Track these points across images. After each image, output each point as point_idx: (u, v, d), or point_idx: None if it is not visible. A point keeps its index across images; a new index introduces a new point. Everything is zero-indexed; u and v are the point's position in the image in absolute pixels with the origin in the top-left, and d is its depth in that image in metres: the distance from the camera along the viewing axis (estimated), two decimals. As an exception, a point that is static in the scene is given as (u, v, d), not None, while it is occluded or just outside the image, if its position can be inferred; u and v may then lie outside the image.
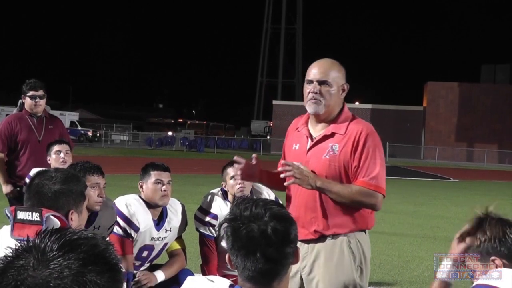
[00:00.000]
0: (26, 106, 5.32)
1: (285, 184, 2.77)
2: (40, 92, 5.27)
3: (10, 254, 1.01)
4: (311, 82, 2.87)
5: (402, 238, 8.57)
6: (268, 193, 4.11)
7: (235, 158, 2.96)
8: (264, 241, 1.57)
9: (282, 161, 2.81)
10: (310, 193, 2.81)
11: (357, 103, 44.48)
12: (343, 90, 2.89)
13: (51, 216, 2.07)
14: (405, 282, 5.96)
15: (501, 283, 1.92)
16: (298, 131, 2.99)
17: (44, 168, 2.57)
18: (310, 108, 2.86)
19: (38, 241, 1.02)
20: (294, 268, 2.78)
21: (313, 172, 2.79)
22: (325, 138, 2.86)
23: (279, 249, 1.59)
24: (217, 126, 61.02)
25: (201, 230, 4.04)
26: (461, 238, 2.17)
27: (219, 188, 4.09)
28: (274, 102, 44.63)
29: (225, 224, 1.64)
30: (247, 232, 1.58)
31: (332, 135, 2.85)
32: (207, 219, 3.99)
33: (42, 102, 5.31)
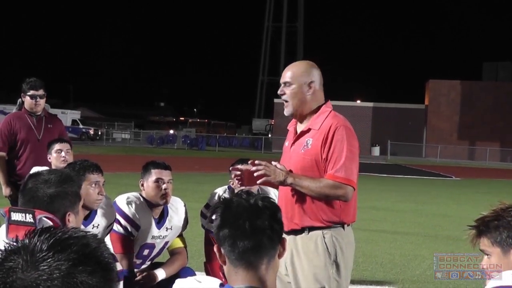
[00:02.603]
0: (26, 105, 5.31)
1: (258, 182, 2.89)
2: (41, 92, 5.25)
3: None
4: (279, 85, 3.07)
5: (404, 237, 8.55)
6: (275, 193, 4.10)
7: (250, 162, 3.04)
8: (254, 211, 1.65)
9: (256, 161, 2.93)
10: (287, 188, 2.95)
11: (358, 102, 44.45)
12: (310, 87, 2.99)
13: (44, 218, 2.07)
14: (407, 280, 5.95)
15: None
16: (288, 129, 3.19)
17: (39, 169, 2.55)
18: (284, 112, 3.07)
19: (27, 242, 0.99)
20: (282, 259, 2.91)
21: (297, 166, 2.95)
22: (302, 133, 3.02)
23: (268, 222, 1.66)
24: (219, 125, 61.06)
25: (207, 227, 4.03)
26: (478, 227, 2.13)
27: (226, 186, 4.10)
28: (276, 100, 44.57)
29: (218, 206, 1.71)
30: (238, 204, 1.67)
31: (308, 130, 3.00)
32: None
33: (42, 101, 5.29)
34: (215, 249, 1.69)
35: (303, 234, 2.93)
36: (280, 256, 1.69)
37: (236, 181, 3.69)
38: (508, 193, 15.57)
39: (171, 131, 45.67)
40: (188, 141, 39.23)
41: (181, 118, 66.33)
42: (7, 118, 5.42)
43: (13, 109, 5.83)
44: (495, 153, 38.09)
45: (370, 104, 42.32)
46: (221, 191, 4.08)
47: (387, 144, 37.11)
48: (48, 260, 0.95)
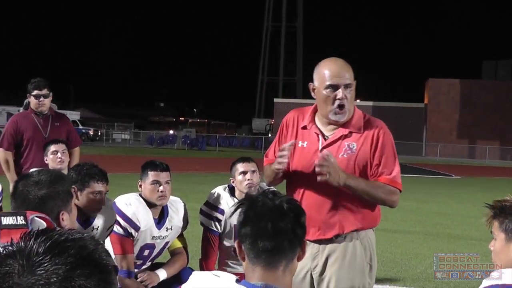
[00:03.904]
0: (32, 105, 5.40)
1: (318, 179, 2.62)
2: (44, 91, 5.33)
3: None
4: (335, 87, 2.71)
5: (405, 235, 8.55)
6: None
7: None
8: (277, 212, 1.65)
9: (325, 151, 2.68)
10: (323, 193, 2.75)
11: (358, 100, 44.41)
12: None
13: (36, 218, 2.04)
14: (408, 279, 5.95)
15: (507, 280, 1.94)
16: (306, 128, 2.86)
17: (34, 170, 2.54)
18: (336, 117, 2.76)
19: (22, 245, 0.96)
20: (305, 268, 2.81)
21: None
22: (342, 137, 2.79)
23: (290, 225, 1.65)
24: (219, 125, 61.08)
25: (206, 225, 4.03)
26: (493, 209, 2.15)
27: (226, 185, 4.10)
28: (275, 100, 44.58)
29: (242, 203, 1.71)
30: (263, 203, 1.67)
31: (350, 134, 2.79)
32: (215, 214, 3.98)
33: (47, 101, 5.36)
34: (235, 244, 1.70)
35: (340, 239, 2.79)
36: (299, 259, 1.69)
37: (247, 182, 3.59)
38: (508, 191, 15.52)
39: (171, 131, 45.64)
40: (188, 141, 39.21)
41: (181, 118, 66.31)
42: (13, 118, 5.59)
43: (14, 109, 5.88)
44: (495, 151, 38.09)
45: (370, 103, 42.31)
46: (221, 190, 4.08)
47: (387, 143, 37.10)
48: (45, 264, 0.92)
